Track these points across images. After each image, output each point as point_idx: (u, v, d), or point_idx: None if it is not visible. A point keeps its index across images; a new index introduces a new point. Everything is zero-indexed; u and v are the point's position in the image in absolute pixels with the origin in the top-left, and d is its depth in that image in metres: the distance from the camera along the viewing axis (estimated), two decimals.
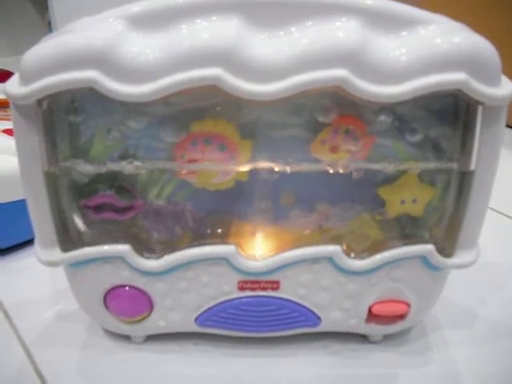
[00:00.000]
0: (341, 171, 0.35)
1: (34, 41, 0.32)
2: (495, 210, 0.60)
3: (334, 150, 0.35)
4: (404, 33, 0.31)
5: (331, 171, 0.35)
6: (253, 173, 0.35)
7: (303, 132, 0.35)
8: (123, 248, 0.36)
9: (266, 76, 0.30)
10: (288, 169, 0.35)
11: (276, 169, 0.35)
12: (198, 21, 0.30)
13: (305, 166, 0.35)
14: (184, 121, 0.34)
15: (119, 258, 0.36)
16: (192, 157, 0.35)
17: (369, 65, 0.30)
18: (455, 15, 0.33)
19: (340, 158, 0.35)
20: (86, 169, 0.34)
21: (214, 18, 0.30)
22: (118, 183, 0.36)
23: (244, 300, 0.38)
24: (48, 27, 0.97)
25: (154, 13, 0.30)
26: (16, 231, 0.50)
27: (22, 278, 0.49)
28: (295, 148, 0.35)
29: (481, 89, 0.31)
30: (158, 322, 0.40)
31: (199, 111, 0.34)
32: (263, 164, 0.35)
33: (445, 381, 0.39)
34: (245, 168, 0.35)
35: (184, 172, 0.35)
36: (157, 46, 0.30)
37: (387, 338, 0.42)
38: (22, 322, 0.44)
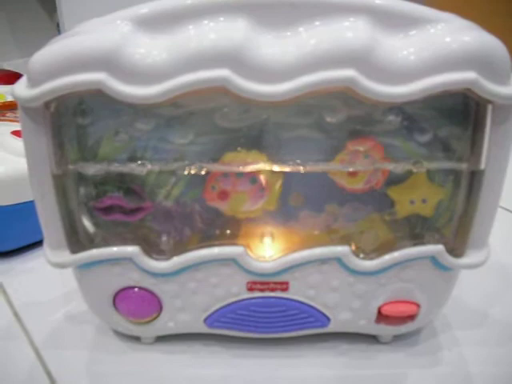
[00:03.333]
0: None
1: (42, 42, 0.32)
2: (506, 209, 0.60)
3: (352, 174, 0.35)
4: (413, 32, 0.31)
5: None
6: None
7: (311, 133, 0.34)
8: (132, 249, 0.36)
9: (274, 77, 0.30)
10: (299, 169, 0.34)
11: (287, 169, 0.34)
12: (205, 22, 0.30)
13: (315, 167, 0.35)
14: (214, 148, 0.35)
15: (128, 260, 0.36)
16: (223, 188, 0.35)
17: (377, 65, 0.30)
18: (461, 13, 0.33)
19: (358, 181, 0.36)
20: (94, 171, 0.34)
21: (221, 18, 0.30)
22: (127, 185, 0.36)
23: (253, 301, 0.38)
24: (57, 29, 0.97)
25: (161, 14, 0.30)
26: (25, 232, 0.51)
27: (32, 280, 0.49)
28: (305, 149, 0.35)
29: (491, 88, 0.30)
30: (167, 323, 0.40)
31: (231, 142, 0.34)
32: (275, 165, 0.35)
33: (455, 382, 0.39)
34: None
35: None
36: (164, 48, 0.30)
37: (397, 338, 0.42)
38: (32, 323, 0.44)
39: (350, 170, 0.35)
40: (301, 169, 0.34)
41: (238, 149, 0.34)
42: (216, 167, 0.35)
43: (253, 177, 0.35)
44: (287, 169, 0.35)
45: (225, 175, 0.35)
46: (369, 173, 0.35)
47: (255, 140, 0.35)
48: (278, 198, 0.36)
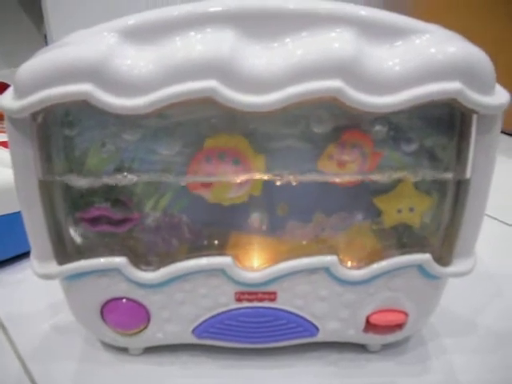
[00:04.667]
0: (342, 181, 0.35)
1: (29, 53, 0.32)
2: (493, 217, 0.60)
3: (341, 165, 0.35)
4: (398, 43, 0.31)
5: (332, 182, 0.35)
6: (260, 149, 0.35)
7: (298, 143, 0.35)
8: (120, 260, 0.36)
9: (261, 87, 0.30)
10: (289, 179, 0.34)
11: (277, 181, 0.34)
12: (192, 33, 0.30)
13: (303, 177, 0.35)
14: (193, 136, 0.34)
15: (116, 271, 0.36)
16: (206, 173, 0.35)
17: (363, 75, 0.30)
18: (449, 22, 0.33)
19: (348, 172, 0.35)
20: (81, 182, 0.34)
21: (209, 30, 0.30)
22: (114, 196, 0.36)
23: (241, 311, 0.38)
24: (44, 40, 0.97)
25: (148, 25, 0.31)
26: (12, 244, 0.50)
27: (19, 291, 0.49)
28: (290, 159, 0.35)
29: (475, 98, 0.31)
30: (155, 334, 0.40)
31: (211, 128, 0.34)
32: (264, 176, 0.35)
33: None
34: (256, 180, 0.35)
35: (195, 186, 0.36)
36: (151, 59, 0.30)
37: (386, 347, 0.42)
38: (19, 335, 0.44)
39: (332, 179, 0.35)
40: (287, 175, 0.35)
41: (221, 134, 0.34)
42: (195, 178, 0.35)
43: (235, 158, 0.35)
44: (277, 179, 0.35)
45: (207, 159, 0.35)
46: (359, 160, 0.35)
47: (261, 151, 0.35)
48: (262, 183, 0.36)
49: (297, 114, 0.33)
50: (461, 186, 0.34)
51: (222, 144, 0.34)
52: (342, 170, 0.35)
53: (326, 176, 0.35)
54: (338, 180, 0.35)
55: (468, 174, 0.34)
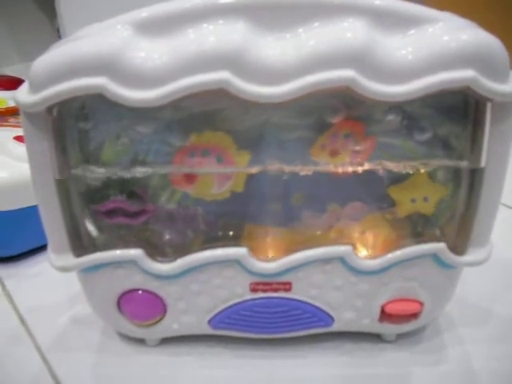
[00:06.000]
0: (348, 171, 0.35)
1: (43, 47, 0.33)
2: (508, 206, 0.60)
3: (333, 153, 0.35)
4: (411, 31, 0.31)
5: (340, 172, 0.35)
6: (262, 175, 0.35)
7: (310, 133, 0.35)
8: (136, 252, 0.36)
9: (274, 78, 0.30)
10: (296, 170, 0.35)
11: (285, 170, 0.35)
12: (205, 25, 0.30)
13: (312, 168, 0.35)
14: (185, 131, 0.34)
15: (132, 263, 0.37)
16: (190, 169, 0.36)
17: (376, 64, 0.30)
18: (459, 13, 0.33)
19: (340, 161, 0.35)
20: (96, 175, 0.35)
21: (221, 21, 0.30)
22: (129, 188, 0.36)
23: (256, 302, 0.38)
24: (57, 33, 0.98)
25: (161, 18, 0.31)
26: (29, 237, 0.51)
27: (37, 284, 0.49)
28: (303, 149, 0.35)
29: (490, 85, 0.30)
30: (171, 325, 0.40)
31: (198, 124, 0.34)
32: (271, 166, 0.35)
33: (460, 379, 0.39)
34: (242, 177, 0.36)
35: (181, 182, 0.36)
36: (164, 51, 0.30)
37: (401, 336, 0.42)
38: (38, 327, 0.44)
39: (340, 170, 0.35)
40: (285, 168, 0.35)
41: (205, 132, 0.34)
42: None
43: (219, 155, 0.35)
44: (286, 170, 0.35)
45: (191, 155, 0.35)
46: (350, 151, 0.35)
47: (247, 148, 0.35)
48: (245, 179, 0.36)
49: (309, 104, 0.33)
50: (475, 175, 0.34)
51: (205, 141, 0.34)
52: (335, 158, 0.35)
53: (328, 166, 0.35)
54: (341, 170, 0.35)
55: (483, 163, 0.33)
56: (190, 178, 0.36)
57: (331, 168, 0.35)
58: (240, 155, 0.35)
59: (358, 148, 0.35)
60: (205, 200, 0.36)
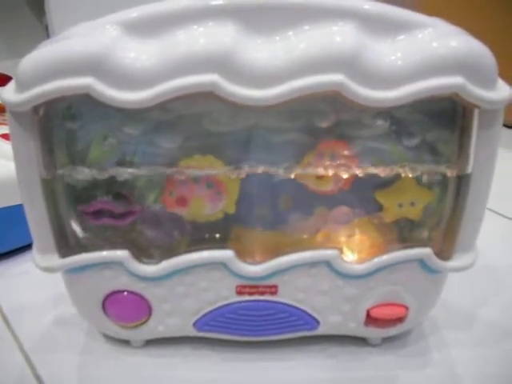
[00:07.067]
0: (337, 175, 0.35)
1: (31, 44, 0.32)
2: (494, 211, 0.60)
3: (319, 176, 0.36)
4: (401, 37, 0.31)
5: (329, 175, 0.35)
6: (250, 177, 0.35)
7: (300, 137, 0.35)
8: (121, 253, 0.36)
9: (263, 81, 0.30)
10: (284, 174, 0.35)
11: (273, 173, 0.35)
12: (194, 27, 0.30)
13: (299, 172, 0.35)
14: (175, 156, 0.35)
15: (117, 264, 0.36)
16: (180, 194, 0.36)
17: (365, 69, 0.30)
18: (453, 16, 0.33)
19: (325, 183, 0.36)
20: (83, 175, 0.34)
21: (210, 23, 0.30)
22: (116, 189, 0.36)
23: (242, 304, 0.38)
24: (45, 31, 0.97)
25: (150, 19, 0.30)
26: (14, 236, 0.50)
27: (21, 283, 0.49)
28: (292, 153, 0.35)
29: (477, 92, 0.31)
30: (156, 327, 0.40)
31: (188, 148, 0.35)
32: (259, 169, 0.35)
33: (444, 383, 0.39)
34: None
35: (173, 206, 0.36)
36: (153, 52, 0.30)
37: (386, 340, 0.42)
38: (21, 327, 0.44)
39: (322, 173, 0.35)
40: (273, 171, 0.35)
41: (194, 155, 0.35)
42: (191, 171, 0.35)
43: (208, 182, 0.35)
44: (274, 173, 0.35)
45: (181, 182, 0.35)
46: (335, 174, 0.35)
47: (239, 146, 0.35)
48: (236, 201, 0.36)
49: (298, 108, 0.33)
50: (462, 181, 0.34)
51: (195, 165, 0.35)
52: (321, 180, 0.36)
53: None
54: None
55: (469, 169, 0.34)
56: (182, 200, 0.36)
57: (319, 172, 0.35)
58: (230, 181, 0.35)
59: (343, 161, 0.35)
60: None
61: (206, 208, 0.36)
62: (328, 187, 0.36)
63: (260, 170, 0.35)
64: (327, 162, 0.35)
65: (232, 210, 0.36)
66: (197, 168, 0.35)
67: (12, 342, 0.42)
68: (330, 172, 0.35)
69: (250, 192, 0.36)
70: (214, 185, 0.35)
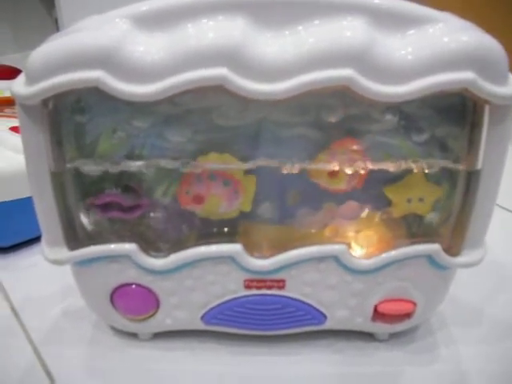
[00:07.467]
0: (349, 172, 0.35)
1: (40, 37, 0.32)
2: (503, 207, 0.60)
3: (332, 174, 0.36)
4: (411, 31, 0.31)
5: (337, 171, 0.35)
6: (259, 172, 0.35)
7: (309, 132, 0.35)
8: (130, 247, 0.36)
9: (272, 75, 0.30)
10: (294, 169, 0.34)
11: (283, 169, 0.34)
12: (204, 20, 0.30)
13: (308, 166, 0.35)
14: (191, 154, 0.35)
15: (126, 257, 0.37)
16: (197, 192, 0.36)
17: (375, 64, 0.30)
18: (461, 12, 0.33)
19: (339, 182, 0.36)
20: (92, 168, 0.34)
21: (220, 17, 0.30)
22: (124, 182, 0.36)
23: (250, 298, 0.38)
24: (55, 24, 0.97)
25: (160, 12, 0.30)
26: (23, 228, 0.51)
27: (30, 275, 0.49)
28: (301, 147, 0.35)
29: (488, 88, 0.30)
30: (164, 320, 0.40)
31: (200, 144, 0.35)
32: (267, 164, 0.35)
33: (451, 379, 0.39)
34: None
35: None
36: (162, 46, 0.30)
37: (394, 336, 0.42)
38: (30, 319, 0.44)
39: (334, 168, 0.35)
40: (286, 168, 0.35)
41: (211, 153, 0.35)
42: (204, 165, 0.35)
43: (225, 180, 0.36)
44: (283, 167, 0.35)
45: (198, 179, 0.35)
46: (349, 173, 0.35)
47: (248, 141, 0.35)
48: (252, 199, 0.36)
49: (307, 102, 0.33)
50: (472, 177, 0.34)
51: (211, 162, 0.35)
52: (334, 179, 0.36)
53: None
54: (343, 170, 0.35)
55: (479, 165, 0.33)
56: (198, 199, 0.36)
57: (329, 167, 0.35)
58: (247, 179, 0.35)
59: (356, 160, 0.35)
60: None
61: (221, 206, 0.36)
62: (341, 186, 0.36)
63: (271, 164, 0.34)
64: (340, 161, 0.35)
65: (248, 208, 0.37)
66: (213, 163, 0.35)
67: (21, 333, 0.43)
68: (344, 170, 0.35)
69: (259, 186, 0.36)
70: (231, 183, 0.36)
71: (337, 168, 0.35)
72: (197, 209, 0.37)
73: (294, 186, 0.37)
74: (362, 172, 0.35)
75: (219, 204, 0.36)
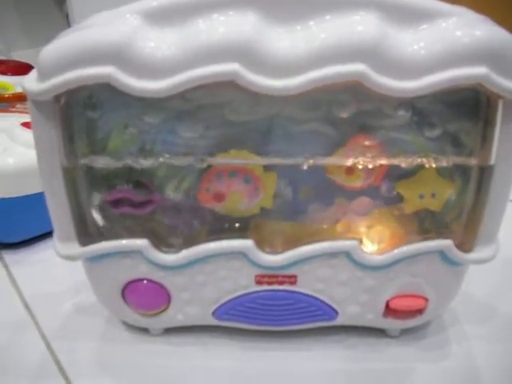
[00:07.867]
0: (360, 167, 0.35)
1: (51, 33, 0.33)
2: None
3: (349, 171, 0.35)
4: (424, 26, 0.31)
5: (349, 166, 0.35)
6: (277, 167, 0.35)
7: (322, 127, 0.34)
8: (141, 242, 0.36)
9: (284, 71, 0.30)
10: (306, 164, 0.34)
11: (302, 165, 0.34)
12: (215, 15, 0.30)
13: (320, 162, 0.35)
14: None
15: (137, 252, 0.37)
16: (218, 190, 0.36)
17: (388, 59, 0.30)
18: (475, 7, 0.32)
19: (355, 179, 0.36)
20: (103, 164, 0.35)
21: (231, 12, 0.30)
22: (136, 178, 0.36)
23: (261, 294, 0.38)
24: (66, 19, 0.97)
25: (170, 8, 0.30)
26: (35, 224, 0.51)
27: (42, 271, 0.49)
28: (315, 143, 0.35)
29: (502, 83, 0.30)
30: (175, 316, 0.40)
31: (216, 141, 0.34)
32: (286, 160, 0.35)
33: (463, 375, 0.39)
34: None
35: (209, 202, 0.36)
36: (173, 42, 0.30)
37: (405, 332, 0.42)
38: (43, 315, 0.44)
39: (348, 164, 0.35)
40: (300, 164, 0.35)
41: (230, 150, 0.35)
42: (219, 160, 0.35)
43: (246, 176, 0.35)
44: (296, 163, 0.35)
45: (218, 177, 0.35)
46: (366, 170, 0.35)
47: (260, 136, 0.35)
48: (273, 195, 0.36)
49: (319, 98, 0.33)
50: (484, 173, 0.34)
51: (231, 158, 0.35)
52: (351, 175, 0.36)
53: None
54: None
55: (492, 161, 0.33)
56: (219, 196, 0.36)
57: (340, 162, 0.35)
58: (267, 176, 0.35)
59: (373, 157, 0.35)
60: None
61: (242, 203, 0.36)
62: (357, 183, 0.36)
63: (288, 162, 0.34)
64: (358, 158, 0.35)
65: (270, 204, 0.37)
66: (232, 158, 0.35)
67: (34, 329, 0.43)
68: (362, 167, 0.35)
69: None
70: (251, 180, 0.35)
71: (357, 165, 0.35)
72: (217, 206, 0.37)
73: (307, 181, 0.37)
74: (380, 169, 0.35)
75: (240, 201, 0.36)
